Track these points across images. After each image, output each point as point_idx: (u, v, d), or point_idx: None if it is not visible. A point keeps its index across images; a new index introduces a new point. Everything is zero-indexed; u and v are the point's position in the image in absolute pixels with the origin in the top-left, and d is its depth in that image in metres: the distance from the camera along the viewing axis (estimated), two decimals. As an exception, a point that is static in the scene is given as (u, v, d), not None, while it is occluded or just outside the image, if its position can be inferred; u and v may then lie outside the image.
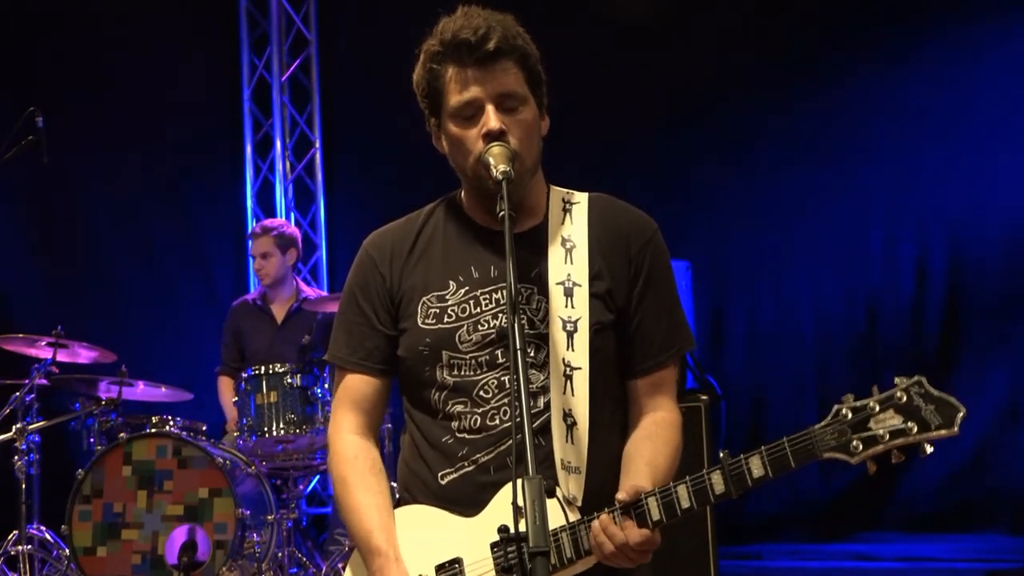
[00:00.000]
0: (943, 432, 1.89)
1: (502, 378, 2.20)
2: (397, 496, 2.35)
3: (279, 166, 7.89)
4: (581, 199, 2.36)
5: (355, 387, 2.33)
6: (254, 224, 6.90)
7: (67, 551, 4.89)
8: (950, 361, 6.72)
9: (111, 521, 4.85)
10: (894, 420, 1.91)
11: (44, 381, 5.23)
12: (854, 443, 1.93)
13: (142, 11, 7.40)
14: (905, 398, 1.92)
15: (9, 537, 5.14)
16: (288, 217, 7.81)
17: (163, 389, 5.58)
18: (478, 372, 2.22)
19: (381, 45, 7.33)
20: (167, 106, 7.43)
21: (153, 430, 4.98)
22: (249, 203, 7.88)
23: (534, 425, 2.11)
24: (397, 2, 7.61)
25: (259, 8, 7.96)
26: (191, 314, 7.53)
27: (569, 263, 2.24)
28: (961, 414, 1.89)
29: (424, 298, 2.27)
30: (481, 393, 2.22)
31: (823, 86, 6.90)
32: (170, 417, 5.09)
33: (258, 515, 4.95)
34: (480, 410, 2.21)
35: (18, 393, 5.19)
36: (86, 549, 4.84)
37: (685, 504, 2.02)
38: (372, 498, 2.23)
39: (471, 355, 2.22)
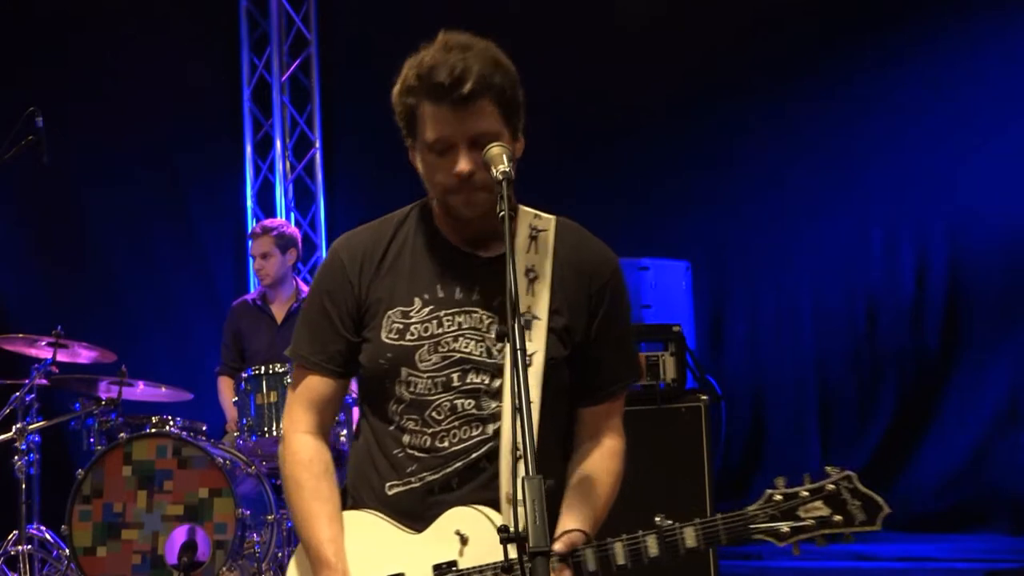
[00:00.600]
0: (866, 528, 2.05)
1: (455, 401, 2.25)
2: (346, 496, 2.38)
3: (279, 166, 7.89)
4: (548, 226, 2.37)
5: (314, 387, 2.36)
6: (254, 224, 6.90)
7: (67, 551, 4.89)
8: (950, 361, 6.73)
9: (111, 521, 4.85)
10: (822, 511, 2.05)
11: (44, 381, 5.23)
12: (783, 528, 2.07)
13: (142, 11, 7.40)
14: (834, 490, 2.06)
15: (9, 537, 5.14)
16: (288, 217, 7.81)
17: (163, 389, 5.58)
18: (432, 392, 2.26)
19: (381, 45, 7.33)
20: (167, 106, 7.43)
21: (153, 430, 4.98)
22: (249, 203, 7.88)
23: (482, 450, 2.23)
24: (397, 2, 7.62)
25: (259, 8, 7.96)
26: (191, 314, 7.53)
27: (531, 295, 2.27)
28: (884, 512, 2.07)
29: (389, 312, 2.29)
30: (433, 414, 2.26)
31: (823, 86, 6.90)
32: (170, 417, 5.09)
33: (258, 515, 4.95)
34: (430, 431, 2.26)
35: (18, 393, 5.19)
36: (86, 549, 4.84)
37: (620, 561, 2.11)
38: (324, 506, 2.27)
39: (428, 375, 2.26)
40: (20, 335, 5.37)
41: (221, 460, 4.86)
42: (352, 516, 2.30)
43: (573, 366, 2.31)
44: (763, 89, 6.97)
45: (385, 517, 2.27)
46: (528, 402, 1.93)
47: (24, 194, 6.88)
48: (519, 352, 1.95)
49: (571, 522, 2.20)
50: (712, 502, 4.27)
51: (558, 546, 2.11)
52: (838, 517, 2.05)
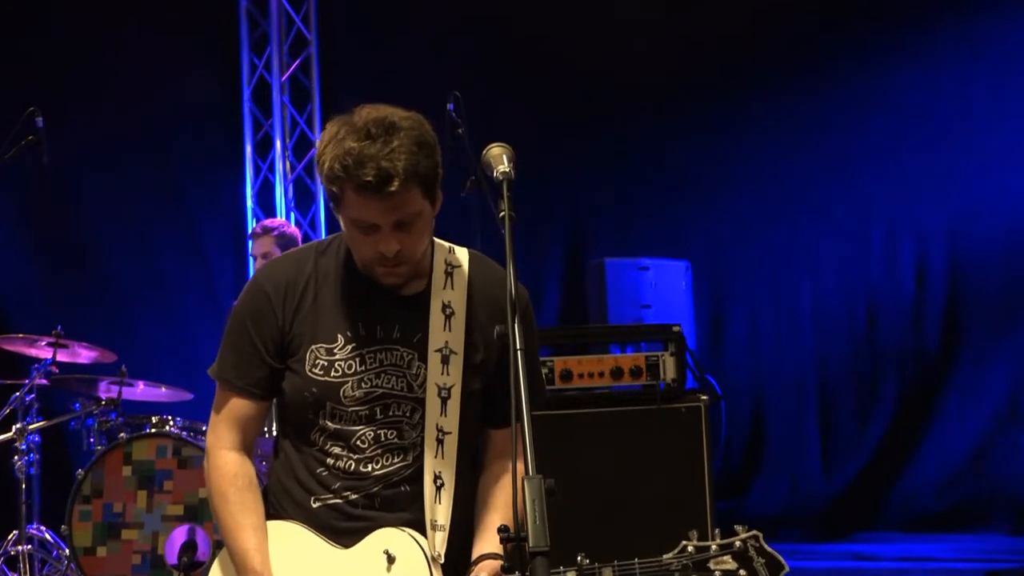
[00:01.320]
0: None
1: (378, 431, 2.34)
2: (268, 511, 2.45)
3: (279, 166, 7.88)
4: (462, 261, 2.43)
5: (238, 408, 2.42)
6: (254, 224, 6.89)
7: (67, 551, 4.89)
8: (950, 361, 6.73)
9: (111, 521, 4.85)
10: (729, 565, 2.21)
11: (44, 381, 5.23)
12: None
13: (142, 11, 7.39)
14: (742, 547, 2.22)
15: (9, 537, 5.14)
16: (288, 217, 7.80)
17: (163, 389, 5.58)
18: (357, 424, 2.35)
19: (381, 45, 7.34)
20: (167, 106, 7.42)
21: (153, 430, 4.99)
22: (249, 203, 7.87)
23: (404, 474, 2.34)
24: (397, 2, 7.62)
25: (259, 8, 7.95)
26: (191, 314, 7.52)
27: (448, 330, 2.37)
28: (784, 571, 2.22)
29: (313, 347, 2.36)
30: (358, 443, 2.35)
31: (823, 86, 6.90)
32: (170, 417, 5.09)
33: (258, 515, 4.94)
34: (356, 456, 2.35)
35: (18, 393, 5.18)
36: (86, 549, 4.84)
37: None
38: (249, 518, 2.36)
39: (352, 409, 2.34)
40: (20, 335, 5.37)
41: (221, 460, 4.85)
42: (277, 526, 2.38)
43: (485, 396, 2.42)
44: (763, 89, 6.97)
45: (310, 529, 2.36)
46: (527, 405, 1.96)
47: (24, 194, 6.88)
48: (519, 352, 2.00)
49: (489, 546, 2.32)
50: (712, 502, 4.27)
51: (483, 574, 2.26)
52: (743, 572, 2.21)
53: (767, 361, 7.13)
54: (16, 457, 5.08)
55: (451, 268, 2.42)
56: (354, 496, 2.34)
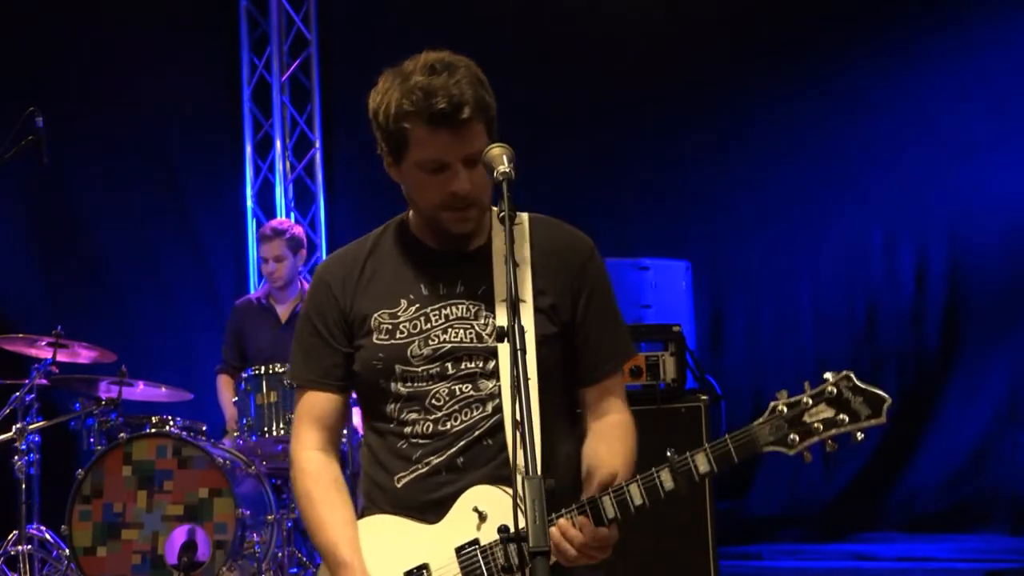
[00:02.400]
0: (872, 421, 2.10)
1: (452, 387, 2.30)
2: (361, 507, 2.43)
3: (279, 166, 7.89)
4: (522, 219, 2.42)
5: (315, 404, 2.42)
6: (262, 226, 6.87)
7: (67, 551, 4.89)
8: (950, 361, 6.73)
9: (111, 521, 4.85)
10: (827, 413, 2.09)
11: (44, 381, 5.23)
12: (791, 436, 2.11)
13: (142, 11, 7.40)
14: (836, 392, 2.10)
15: (9, 537, 5.14)
16: (288, 217, 7.81)
17: (163, 389, 5.58)
18: (429, 383, 2.31)
19: (381, 45, 7.34)
20: (167, 106, 7.42)
21: (153, 430, 4.99)
22: (249, 203, 7.88)
23: (484, 427, 2.28)
24: (397, 3, 7.62)
25: (259, 8, 7.96)
26: (191, 314, 7.52)
27: (514, 283, 2.30)
28: (887, 403, 2.11)
29: (376, 315, 2.36)
30: (433, 401, 2.31)
31: (823, 85, 6.90)
32: (170, 417, 5.09)
33: (258, 515, 4.95)
34: (432, 416, 2.30)
35: (18, 393, 5.19)
36: (86, 549, 4.84)
37: (638, 501, 2.14)
38: (336, 513, 2.32)
39: (422, 368, 2.32)
40: (20, 335, 5.37)
41: (221, 460, 4.86)
42: (367, 523, 2.34)
43: (566, 348, 2.37)
44: (763, 89, 6.97)
45: (398, 515, 2.31)
46: (529, 410, 1.95)
47: (24, 194, 6.88)
48: (519, 352, 1.98)
49: (596, 481, 2.24)
50: (712, 502, 4.28)
51: (587, 494, 2.15)
52: (843, 416, 2.10)
53: (767, 361, 7.13)
54: (16, 457, 5.08)
55: (504, 229, 2.35)
56: (436, 461, 2.29)
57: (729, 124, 7.06)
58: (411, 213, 2.45)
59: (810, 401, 2.10)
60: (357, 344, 2.38)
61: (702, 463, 2.13)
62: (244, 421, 5.12)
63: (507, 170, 2.13)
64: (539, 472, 1.90)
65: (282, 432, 5.05)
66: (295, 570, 5.17)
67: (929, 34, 6.72)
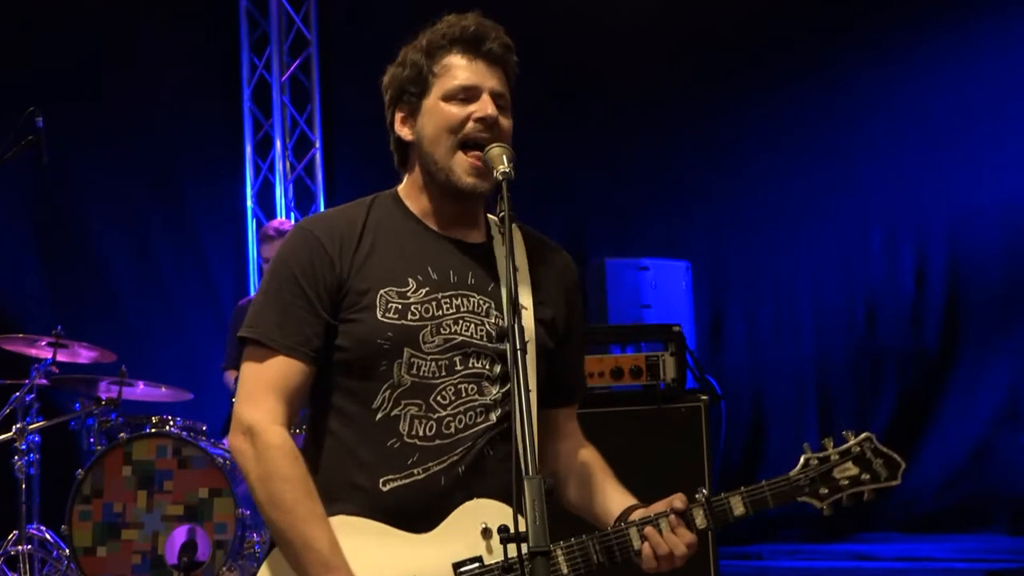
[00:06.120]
0: (890, 483, 2.21)
1: (459, 385, 2.14)
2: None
3: (279, 166, 7.89)
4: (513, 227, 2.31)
5: (286, 373, 2.11)
6: (264, 226, 6.87)
7: (67, 551, 4.89)
8: (950, 361, 6.73)
9: (111, 521, 4.85)
10: (852, 471, 2.22)
11: (44, 381, 5.23)
12: (822, 490, 2.22)
13: (142, 11, 7.40)
14: (860, 451, 2.22)
15: (9, 537, 5.14)
16: (288, 217, 7.81)
17: (163, 389, 5.58)
18: (437, 376, 2.13)
19: (381, 45, 7.33)
20: (167, 106, 7.42)
21: (153, 430, 4.99)
22: (249, 203, 7.88)
23: (487, 437, 2.14)
24: (397, 3, 7.62)
25: (259, 8, 7.96)
26: (191, 314, 7.52)
27: (515, 283, 2.15)
28: (902, 468, 2.22)
29: (382, 291, 2.14)
30: (438, 398, 2.13)
31: (822, 86, 6.91)
32: (170, 417, 5.09)
33: (258, 515, 4.94)
34: (435, 416, 2.11)
35: (18, 393, 5.19)
36: (86, 549, 4.84)
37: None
38: (318, 506, 2.04)
39: (432, 357, 2.13)
40: (20, 335, 5.37)
41: (221, 460, 4.86)
42: (340, 523, 2.06)
43: (550, 364, 2.29)
44: (763, 89, 6.98)
45: (377, 520, 2.08)
46: (529, 407, 1.90)
47: (24, 194, 6.88)
48: (519, 352, 1.93)
49: (626, 499, 2.25)
50: (712, 502, 4.27)
51: (678, 503, 2.16)
52: (866, 475, 2.21)
53: (767, 361, 7.14)
54: (16, 457, 5.08)
55: (503, 229, 2.23)
56: (436, 468, 2.09)
57: (729, 124, 7.06)
58: (406, 189, 2.29)
59: (838, 457, 2.23)
60: (347, 317, 2.13)
61: (737, 506, 2.19)
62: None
63: (507, 170, 2.10)
64: (538, 471, 1.86)
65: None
66: (295, 570, 5.16)
67: (929, 34, 6.72)
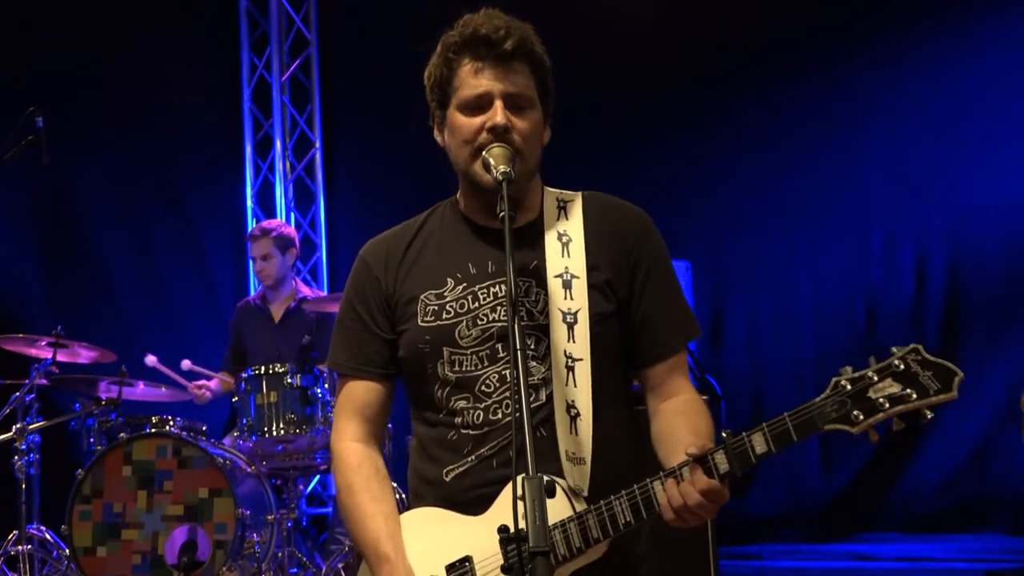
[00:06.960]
0: (943, 397, 1.95)
1: (503, 372, 2.20)
2: (405, 501, 2.38)
3: (279, 166, 7.89)
4: (575, 197, 2.39)
5: (356, 394, 2.34)
6: (253, 225, 6.91)
7: (67, 551, 4.89)
8: (950, 361, 6.71)
9: (111, 521, 4.85)
10: (893, 388, 1.93)
11: (44, 381, 5.23)
12: (854, 413, 1.94)
13: (142, 11, 7.40)
14: (903, 366, 1.95)
15: (9, 537, 5.14)
16: (288, 217, 7.81)
17: (163, 389, 5.59)
18: (479, 367, 2.22)
19: (381, 45, 7.34)
20: (167, 106, 7.43)
21: (153, 430, 4.99)
22: (249, 203, 7.88)
23: (536, 418, 2.14)
24: (397, 3, 7.62)
25: (259, 8, 7.96)
26: (191, 314, 7.53)
27: (566, 256, 2.26)
28: (959, 377, 1.97)
29: (422, 296, 2.27)
30: (483, 388, 2.22)
31: (822, 86, 6.90)
32: (170, 417, 5.09)
33: (258, 515, 4.95)
34: (482, 405, 2.21)
35: (18, 393, 5.19)
36: (86, 549, 4.84)
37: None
38: (377, 505, 2.23)
39: (471, 350, 2.23)
40: (20, 335, 5.38)
41: (221, 460, 4.86)
42: (409, 516, 2.25)
43: (625, 325, 2.29)
44: (762, 89, 6.97)
45: (444, 508, 2.22)
46: (530, 410, 1.91)
47: (24, 194, 6.88)
48: (519, 352, 1.95)
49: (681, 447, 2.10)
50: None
51: (692, 449, 2.00)
52: (911, 391, 1.95)
53: (767, 361, 7.13)
54: (16, 457, 5.09)
55: (563, 203, 2.35)
56: (488, 453, 2.19)
57: (729, 124, 7.06)
58: (459, 193, 2.37)
59: (875, 376, 1.95)
60: (401, 328, 2.29)
61: (759, 444, 1.97)
62: (244, 421, 5.13)
63: (507, 170, 2.12)
64: (545, 473, 1.87)
65: (282, 432, 5.06)
66: (295, 570, 5.16)
67: (929, 34, 6.71)
